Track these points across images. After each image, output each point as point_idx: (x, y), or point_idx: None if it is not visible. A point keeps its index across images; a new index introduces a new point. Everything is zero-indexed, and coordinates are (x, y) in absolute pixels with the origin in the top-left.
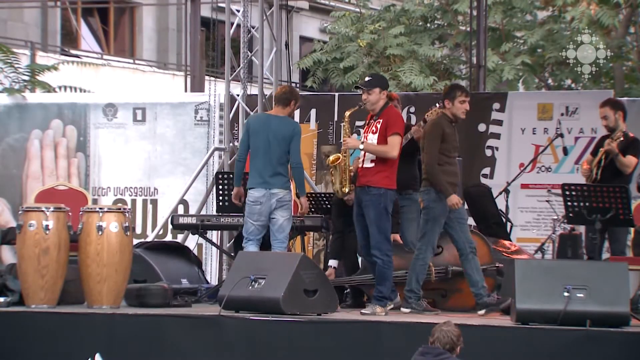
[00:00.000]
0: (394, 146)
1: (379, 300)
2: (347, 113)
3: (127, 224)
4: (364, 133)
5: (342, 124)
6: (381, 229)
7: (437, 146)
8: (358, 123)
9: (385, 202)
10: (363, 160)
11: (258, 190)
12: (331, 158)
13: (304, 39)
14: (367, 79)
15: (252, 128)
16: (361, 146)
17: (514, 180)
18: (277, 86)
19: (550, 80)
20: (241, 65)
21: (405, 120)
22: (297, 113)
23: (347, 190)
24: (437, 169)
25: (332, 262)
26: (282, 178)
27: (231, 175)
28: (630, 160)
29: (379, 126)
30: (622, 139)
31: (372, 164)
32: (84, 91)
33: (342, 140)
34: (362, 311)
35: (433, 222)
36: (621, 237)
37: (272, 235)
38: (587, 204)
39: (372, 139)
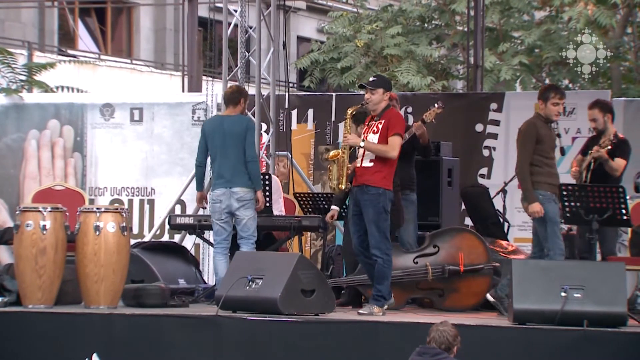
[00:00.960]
0: (394, 146)
1: (377, 300)
2: (349, 110)
3: (124, 224)
4: (364, 133)
5: (343, 121)
6: (380, 228)
7: (530, 148)
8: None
9: (384, 201)
10: (362, 160)
11: (218, 189)
12: (331, 153)
13: (301, 39)
14: (371, 78)
15: (207, 131)
16: (362, 143)
17: (511, 180)
18: (274, 86)
19: (547, 81)
20: (238, 65)
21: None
22: (294, 113)
23: (343, 187)
24: (527, 171)
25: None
26: (242, 176)
27: None
28: (619, 163)
29: (380, 126)
30: (609, 147)
31: (371, 164)
32: (81, 91)
33: (343, 137)
34: (360, 311)
35: (552, 223)
36: (611, 237)
37: (238, 234)
38: (584, 204)
39: (373, 138)
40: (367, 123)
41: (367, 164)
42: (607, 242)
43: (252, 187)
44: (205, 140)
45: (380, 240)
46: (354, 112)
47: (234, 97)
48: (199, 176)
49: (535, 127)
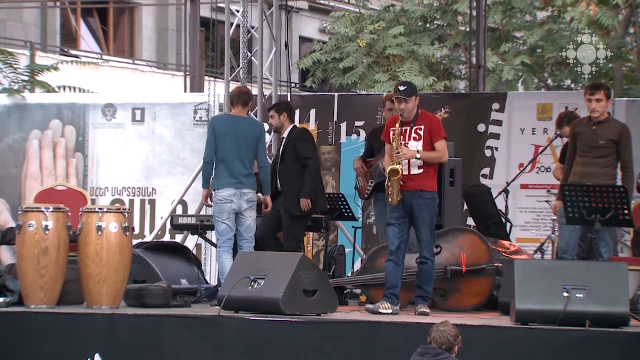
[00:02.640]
0: (445, 151)
1: (426, 300)
2: (397, 124)
3: (126, 224)
4: (401, 140)
5: (392, 139)
6: (432, 231)
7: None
8: (357, 123)
9: (436, 206)
10: (409, 167)
11: (229, 189)
12: (390, 170)
13: (303, 39)
14: (402, 88)
15: (218, 130)
16: (418, 155)
17: (513, 180)
18: (276, 86)
19: (549, 81)
20: (241, 65)
21: None
22: (296, 113)
23: (401, 197)
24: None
25: None
26: (251, 178)
27: None
28: None
29: (421, 132)
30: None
31: (421, 170)
32: (84, 91)
33: (395, 153)
34: (422, 310)
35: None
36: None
37: (240, 235)
38: (586, 204)
39: (417, 145)
40: (392, 128)
41: (416, 170)
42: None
43: (256, 189)
44: (215, 138)
45: (431, 243)
46: (399, 124)
47: (244, 97)
48: (208, 173)
49: None
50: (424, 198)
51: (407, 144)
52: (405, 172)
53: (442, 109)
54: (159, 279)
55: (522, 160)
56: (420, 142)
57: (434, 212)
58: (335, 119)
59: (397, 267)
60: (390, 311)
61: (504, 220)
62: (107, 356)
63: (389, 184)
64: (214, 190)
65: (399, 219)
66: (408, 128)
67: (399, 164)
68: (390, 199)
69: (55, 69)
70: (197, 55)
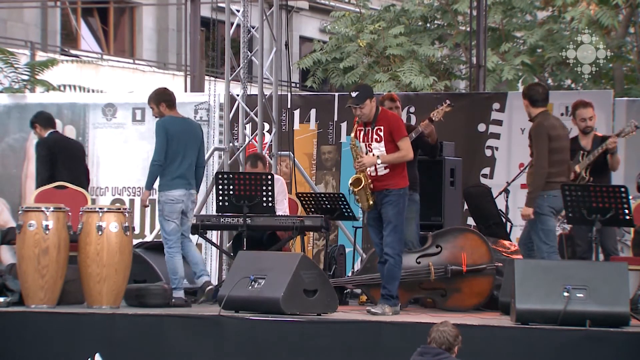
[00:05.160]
0: (408, 149)
1: (388, 300)
2: (352, 135)
3: (126, 224)
4: (363, 142)
5: (349, 147)
6: (397, 228)
7: None
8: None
9: (403, 202)
10: (376, 169)
11: (180, 190)
12: (352, 181)
13: (303, 39)
14: (354, 94)
15: (172, 132)
16: (379, 161)
17: (513, 180)
18: (277, 86)
19: (550, 81)
20: (241, 65)
21: (405, 121)
22: (296, 113)
23: (372, 202)
24: None
25: None
26: (194, 180)
27: (232, 175)
28: (619, 158)
29: (381, 133)
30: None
31: (387, 170)
32: (84, 91)
33: (356, 162)
34: (372, 310)
35: None
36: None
37: (183, 235)
38: (586, 204)
39: (379, 147)
40: (358, 128)
41: (383, 171)
42: (608, 240)
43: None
44: (167, 141)
45: (395, 240)
46: (355, 137)
47: (174, 98)
48: (155, 175)
49: None
50: (389, 195)
51: (371, 145)
52: (373, 174)
53: (444, 102)
54: (159, 279)
55: (523, 160)
56: (382, 143)
57: (401, 210)
58: (335, 118)
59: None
60: (391, 313)
61: (504, 220)
62: (107, 356)
63: (355, 193)
64: (164, 191)
65: (374, 221)
66: (370, 129)
67: (362, 172)
68: (362, 207)
69: (55, 63)
70: (197, 55)
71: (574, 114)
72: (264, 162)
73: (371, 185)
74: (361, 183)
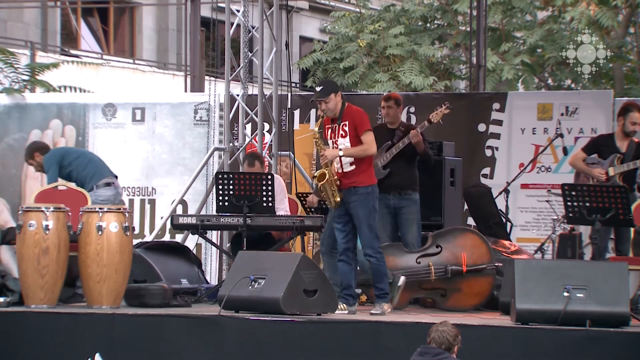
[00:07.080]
0: (371, 143)
1: (383, 298)
2: (316, 129)
3: (126, 224)
4: (330, 139)
5: (314, 141)
6: (372, 227)
7: None
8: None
9: (372, 200)
10: (342, 165)
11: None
12: (317, 175)
13: (303, 39)
14: (319, 88)
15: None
16: (341, 153)
17: (513, 180)
18: (277, 86)
19: (550, 80)
20: (241, 65)
21: (405, 121)
22: (296, 113)
23: (339, 199)
24: None
25: None
26: None
27: (231, 175)
28: None
29: (346, 129)
30: None
31: (353, 166)
32: (84, 91)
33: (320, 155)
34: (372, 312)
35: None
36: (626, 236)
37: None
38: (587, 204)
39: (344, 142)
40: (327, 125)
41: (349, 168)
42: (623, 241)
43: None
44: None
45: (372, 239)
46: (319, 130)
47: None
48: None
49: None
50: (357, 194)
51: (337, 141)
52: (340, 171)
53: (443, 104)
54: (159, 279)
55: (523, 160)
56: (347, 139)
57: (371, 208)
58: None
59: (350, 266)
60: (346, 312)
61: (504, 220)
62: (107, 356)
63: (320, 188)
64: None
65: (340, 218)
66: (336, 125)
67: (327, 166)
68: (328, 204)
69: (56, 66)
70: (197, 55)
71: (625, 114)
72: (261, 162)
73: (337, 182)
74: (325, 177)
